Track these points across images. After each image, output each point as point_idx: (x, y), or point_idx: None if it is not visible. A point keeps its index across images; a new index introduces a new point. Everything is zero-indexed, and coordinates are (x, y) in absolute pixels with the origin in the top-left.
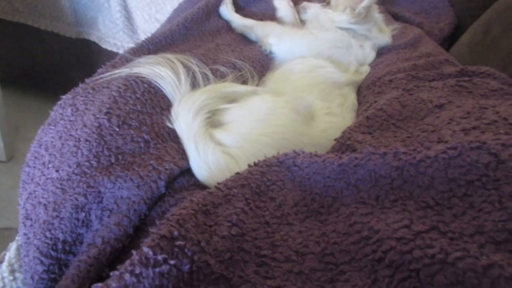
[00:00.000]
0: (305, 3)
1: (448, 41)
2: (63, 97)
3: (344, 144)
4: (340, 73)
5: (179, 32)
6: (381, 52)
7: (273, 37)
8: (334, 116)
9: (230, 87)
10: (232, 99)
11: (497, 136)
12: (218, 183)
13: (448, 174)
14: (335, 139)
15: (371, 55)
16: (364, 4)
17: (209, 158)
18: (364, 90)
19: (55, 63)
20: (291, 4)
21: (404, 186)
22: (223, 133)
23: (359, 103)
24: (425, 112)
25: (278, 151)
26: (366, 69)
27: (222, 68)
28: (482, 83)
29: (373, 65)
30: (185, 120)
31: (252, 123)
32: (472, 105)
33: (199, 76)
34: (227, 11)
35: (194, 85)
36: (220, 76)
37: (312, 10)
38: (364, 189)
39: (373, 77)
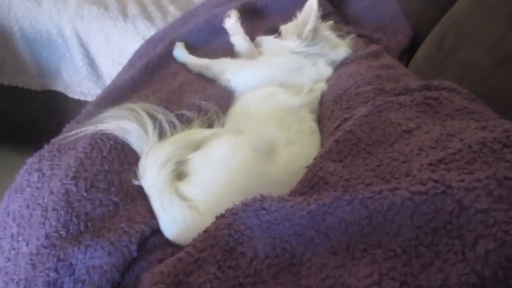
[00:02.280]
0: (258, 38)
1: (407, 54)
2: (29, 161)
3: (315, 175)
4: (292, 98)
5: (141, 79)
6: (343, 62)
7: (229, 72)
8: (293, 145)
9: (196, 134)
10: (198, 146)
11: (461, 177)
12: (187, 246)
13: (414, 221)
14: (307, 167)
15: (325, 70)
16: (308, 28)
17: (175, 215)
18: (331, 105)
19: (22, 116)
20: (247, 38)
21: (373, 234)
22: (187, 186)
23: (327, 119)
24: (394, 136)
25: (242, 197)
26: (320, 86)
27: (188, 113)
28: (448, 101)
29: (335, 76)
30: (150, 175)
31: (213, 172)
32: (440, 131)
33: (165, 125)
34: (180, 53)
35: (161, 135)
36: (186, 122)
37: (266, 43)
38: (334, 237)
39: (338, 89)
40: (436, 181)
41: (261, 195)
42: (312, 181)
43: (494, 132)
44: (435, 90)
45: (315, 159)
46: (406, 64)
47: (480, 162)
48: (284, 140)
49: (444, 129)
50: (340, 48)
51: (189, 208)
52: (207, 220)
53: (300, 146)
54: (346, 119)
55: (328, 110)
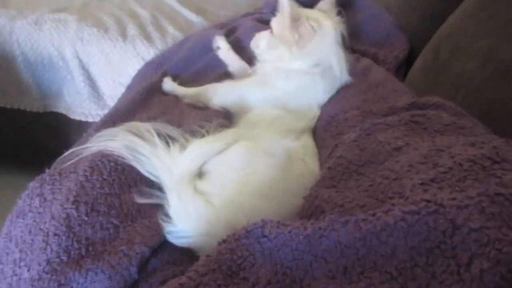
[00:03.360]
0: (257, 35)
1: (405, 66)
2: (30, 185)
3: (312, 204)
4: (295, 121)
5: (141, 104)
6: None
7: (218, 96)
8: (307, 163)
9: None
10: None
11: (453, 195)
12: (189, 271)
13: (408, 241)
14: (304, 197)
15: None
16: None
17: (189, 204)
18: (322, 132)
19: (25, 137)
20: (243, 63)
21: (368, 256)
22: (203, 183)
23: (320, 147)
24: (384, 155)
25: (255, 198)
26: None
27: (194, 127)
28: (436, 117)
29: (325, 103)
30: (181, 166)
31: (229, 172)
32: (429, 147)
33: (176, 133)
34: (169, 86)
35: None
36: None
37: (264, 42)
38: (331, 261)
39: (327, 116)
40: (428, 201)
41: (262, 220)
42: (309, 211)
43: (483, 149)
44: (422, 108)
45: (310, 189)
46: (404, 77)
47: (471, 180)
48: (300, 154)
49: (433, 144)
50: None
51: (203, 202)
52: (218, 215)
53: (313, 166)
54: (337, 145)
55: (320, 139)
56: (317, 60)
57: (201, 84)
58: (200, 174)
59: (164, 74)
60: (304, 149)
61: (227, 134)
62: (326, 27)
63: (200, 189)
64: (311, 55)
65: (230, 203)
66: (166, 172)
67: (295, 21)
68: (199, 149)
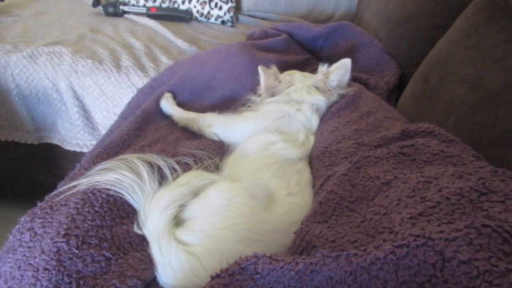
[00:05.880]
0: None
1: (397, 91)
2: (21, 219)
3: (303, 239)
4: (292, 148)
5: (135, 133)
6: (325, 118)
7: (217, 126)
8: (294, 196)
9: (197, 178)
10: (199, 191)
11: (441, 228)
12: None
13: (399, 276)
14: (294, 232)
15: (313, 118)
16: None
17: (172, 259)
18: (315, 163)
19: (19, 170)
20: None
21: None
22: (185, 232)
23: (314, 177)
24: (374, 191)
25: (240, 243)
26: (313, 139)
27: (186, 159)
28: (424, 147)
29: (318, 132)
30: (152, 221)
31: (211, 218)
32: (417, 179)
33: (166, 170)
34: (168, 105)
35: (162, 178)
36: (185, 167)
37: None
38: None
39: (320, 146)
40: (416, 236)
41: (255, 255)
42: (300, 246)
43: (470, 181)
44: (412, 135)
45: (302, 223)
46: (395, 102)
47: (459, 213)
48: (285, 191)
49: (421, 175)
50: (316, 94)
51: (186, 253)
52: (203, 266)
53: (301, 197)
54: (329, 177)
55: (313, 169)
56: (289, 98)
57: (197, 108)
58: (181, 220)
59: (158, 97)
60: (298, 176)
61: (193, 177)
62: (296, 85)
63: (181, 239)
64: (284, 96)
65: (213, 252)
66: (149, 224)
67: (272, 88)
68: (162, 200)
